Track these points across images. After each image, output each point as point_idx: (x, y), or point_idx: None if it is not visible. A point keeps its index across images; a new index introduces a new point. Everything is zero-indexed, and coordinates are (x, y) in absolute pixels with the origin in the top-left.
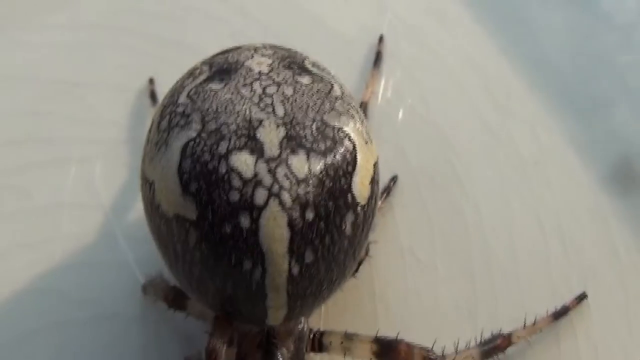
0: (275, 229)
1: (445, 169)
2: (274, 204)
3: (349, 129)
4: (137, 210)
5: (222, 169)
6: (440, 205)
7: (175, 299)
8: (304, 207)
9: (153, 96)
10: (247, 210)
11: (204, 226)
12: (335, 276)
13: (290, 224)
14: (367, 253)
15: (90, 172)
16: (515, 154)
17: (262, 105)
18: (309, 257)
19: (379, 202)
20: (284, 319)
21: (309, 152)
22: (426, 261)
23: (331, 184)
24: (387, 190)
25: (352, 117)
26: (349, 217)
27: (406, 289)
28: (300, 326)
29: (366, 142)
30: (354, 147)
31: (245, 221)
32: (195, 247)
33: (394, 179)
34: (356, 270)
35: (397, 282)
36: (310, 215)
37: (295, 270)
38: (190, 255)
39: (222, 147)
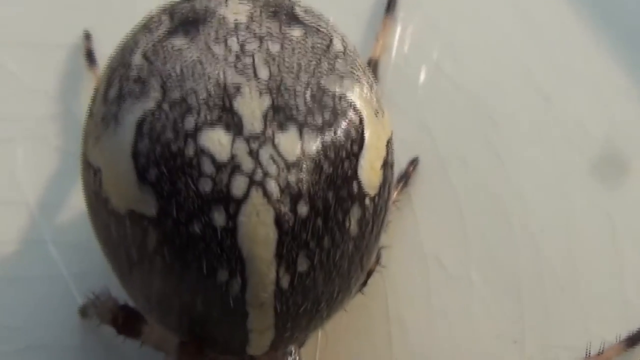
0: (258, 228)
1: (480, 149)
2: (256, 195)
3: (353, 96)
4: (73, 207)
5: (190, 151)
6: (474, 198)
7: (127, 323)
8: (295, 199)
9: (90, 56)
10: (222, 204)
11: (167, 225)
12: (337, 290)
13: (278, 222)
14: (378, 261)
15: (10, 159)
16: (576, 130)
17: (240, 66)
18: (302, 264)
19: (394, 193)
20: (269, 346)
21: (301, 127)
22: (456, 272)
23: (331, 169)
24: (405, 177)
25: (358, 80)
26: (355, 212)
27: (430, 309)
28: (291, 357)
29: (376, 113)
30: (361, 120)
31: (219, 218)
32: (156, 252)
33: (413, 163)
34: (364, 284)
35: (417, 300)
36: (304, 209)
37: (285, 281)
38: (148, 263)
39: (189, 123)
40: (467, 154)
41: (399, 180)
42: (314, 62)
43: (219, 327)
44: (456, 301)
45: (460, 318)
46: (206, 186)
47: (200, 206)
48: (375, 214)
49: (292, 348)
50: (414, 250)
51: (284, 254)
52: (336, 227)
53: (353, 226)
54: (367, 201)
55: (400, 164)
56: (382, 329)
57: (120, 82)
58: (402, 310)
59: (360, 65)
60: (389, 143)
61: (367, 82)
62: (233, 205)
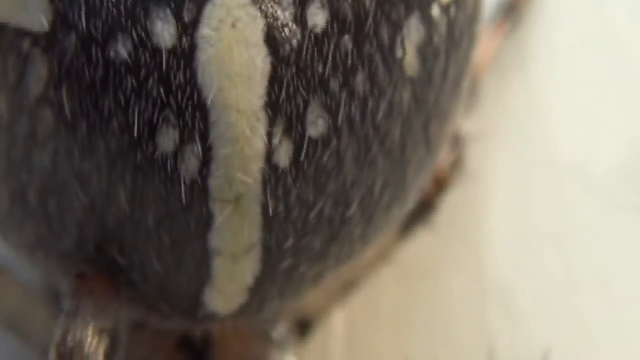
0: (234, 51)
1: None
2: None
3: None
4: None
5: None
6: None
7: None
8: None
9: None
10: (168, 7)
11: (69, 47)
12: (380, 186)
13: (272, 40)
14: (459, 155)
15: None
16: None
17: None
18: (315, 123)
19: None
20: (249, 296)
21: None
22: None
23: None
24: (511, 8)
25: None
26: (413, 30)
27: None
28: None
29: None
30: None
31: (164, 31)
32: (44, 100)
33: None
34: (431, 206)
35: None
36: (318, 18)
37: (283, 155)
38: (28, 122)
39: None
40: None
41: (501, 13)
42: None
43: (153, 248)
44: None
45: None
46: None
47: (129, 10)
48: (452, 41)
49: (282, 328)
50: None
51: (282, 102)
52: (378, 54)
53: (410, 56)
54: (436, 10)
55: None
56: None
57: None
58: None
59: None
60: None
61: None
62: (189, 8)
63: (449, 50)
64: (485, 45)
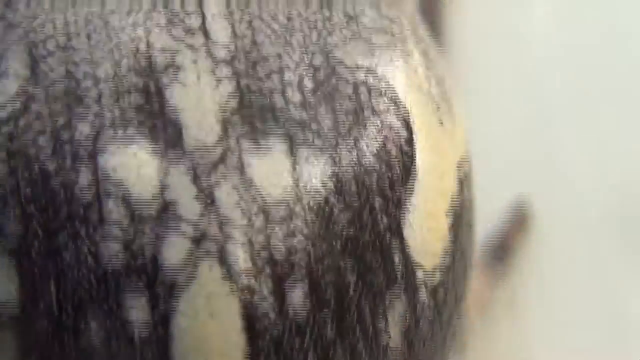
0: (212, 336)
1: None
2: (209, 275)
3: (395, 78)
4: None
5: (82, 182)
6: None
7: None
8: (282, 282)
9: None
10: (144, 291)
11: (41, 331)
12: None
13: (251, 323)
14: None
15: None
16: None
17: (178, 26)
18: None
19: (477, 282)
20: None
21: (293, 141)
22: None
23: (351, 227)
24: (503, 248)
25: (408, 52)
26: (397, 311)
27: None
28: None
29: (441, 122)
30: (408, 128)
31: (138, 317)
32: None
33: (521, 216)
34: None
35: None
36: (299, 300)
37: None
38: None
39: (81, 131)
40: None
41: (491, 255)
42: (318, 16)
43: None
44: None
45: None
46: (112, 254)
47: (101, 294)
48: (438, 319)
49: None
50: None
51: None
52: (361, 337)
53: (395, 337)
54: (422, 291)
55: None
56: None
57: None
58: None
59: (412, 26)
60: (462, 171)
61: (423, 55)
62: (163, 292)
63: (435, 331)
64: (476, 292)
